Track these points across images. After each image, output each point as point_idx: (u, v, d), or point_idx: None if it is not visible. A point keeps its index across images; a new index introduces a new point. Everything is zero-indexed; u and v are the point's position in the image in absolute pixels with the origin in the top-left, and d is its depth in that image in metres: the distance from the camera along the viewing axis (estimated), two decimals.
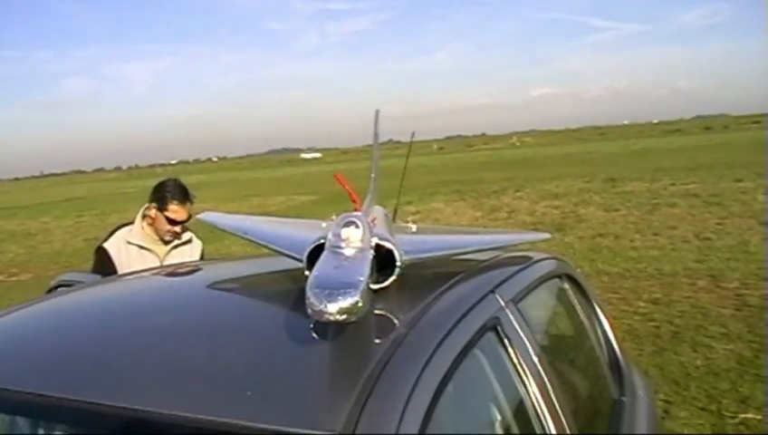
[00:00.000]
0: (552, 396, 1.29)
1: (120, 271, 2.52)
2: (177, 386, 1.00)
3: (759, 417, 3.27)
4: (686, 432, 3.22)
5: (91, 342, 1.25)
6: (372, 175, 1.87)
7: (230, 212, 1.98)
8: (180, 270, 1.96)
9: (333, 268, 1.05)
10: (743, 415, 3.31)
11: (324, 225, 1.47)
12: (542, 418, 1.24)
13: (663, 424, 3.17)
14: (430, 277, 1.34)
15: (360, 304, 0.94)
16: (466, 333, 1.12)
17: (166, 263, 2.61)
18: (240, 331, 1.20)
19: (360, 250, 1.11)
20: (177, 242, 2.69)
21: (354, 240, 1.11)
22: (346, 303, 0.93)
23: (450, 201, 14.97)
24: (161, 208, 2.61)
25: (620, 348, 1.98)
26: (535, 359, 1.31)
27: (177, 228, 2.65)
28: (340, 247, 1.11)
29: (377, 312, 1.12)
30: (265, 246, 1.51)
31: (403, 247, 1.23)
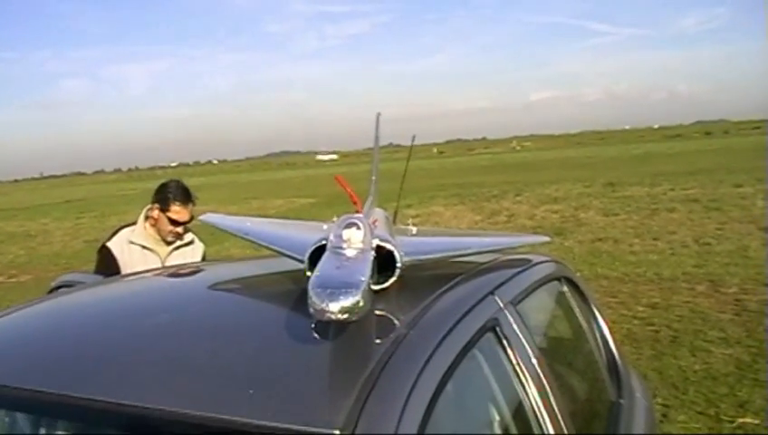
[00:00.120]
0: (551, 397, 1.30)
1: (123, 270, 2.54)
2: (178, 383, 1.00)
3: (757, 421, 3.27)
4: None
5: (93, 340, 1.26)
6: (373, 177, 1.88)
7: (230, 214, 1.99)
8: (181, 271, 1.96)
9: (335, 268, 1.06)
10: (741, 419, 3.31)
11: (325, 226, 1.48)
12: (539, 419, 1.25)
13: (661, 427, 3.18)
14: (430, 279, 1.35)
15: (361, 304, 0.95)
16: (466, 333, 1.13)
17: (167, 263, 2.62)
18: (241, 330, 1.21)
19: (362, 251, 1.12)
20: (179, 243, 2.70)
21: (355, 241, 1.13)
22: (347, 302, 0.94)
23: (450, 205, 14.98)
24: (164, 209, 2.62)
25: (618, 350, 1.99)
26: (534, 360, 1.32)
27: (180, 229, 2.66)
28: (341, 248, 1.12)
29: (377, 312, 1.13)
30: (267, 247, 1.52)
31: (403, 249, 1.25)
